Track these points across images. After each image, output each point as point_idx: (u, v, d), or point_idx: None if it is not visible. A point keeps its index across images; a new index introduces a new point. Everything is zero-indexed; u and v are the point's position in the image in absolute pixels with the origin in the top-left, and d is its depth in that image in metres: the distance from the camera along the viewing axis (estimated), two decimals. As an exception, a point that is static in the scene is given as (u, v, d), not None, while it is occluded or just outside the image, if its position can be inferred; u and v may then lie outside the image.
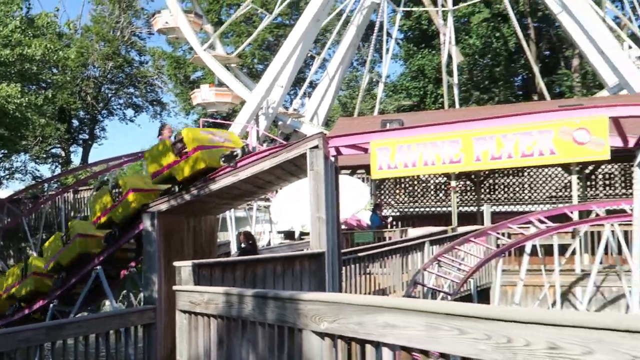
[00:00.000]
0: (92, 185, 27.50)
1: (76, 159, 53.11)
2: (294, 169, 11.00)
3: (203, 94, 37.93)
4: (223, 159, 11.20)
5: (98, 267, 13.64)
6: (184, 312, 6.74)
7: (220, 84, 37.98)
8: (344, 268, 15.99)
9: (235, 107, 39.35)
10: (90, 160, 49.06)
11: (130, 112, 55.87)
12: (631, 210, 9.51)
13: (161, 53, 53.68)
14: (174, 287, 6.96)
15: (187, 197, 10.64)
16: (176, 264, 7.19)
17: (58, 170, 47.90)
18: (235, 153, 11.11)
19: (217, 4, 52.72)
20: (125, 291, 19.95)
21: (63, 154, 51.97)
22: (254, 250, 14.94)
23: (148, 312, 9.44)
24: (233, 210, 29.28)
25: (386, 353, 4.05)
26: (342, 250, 18.26)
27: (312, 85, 41.87)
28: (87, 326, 8.55)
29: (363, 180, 26.72)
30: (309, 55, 40.36)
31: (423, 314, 3.65)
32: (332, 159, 11.01)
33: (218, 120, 38.66)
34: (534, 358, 2.98)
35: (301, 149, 9.67)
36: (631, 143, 9.24)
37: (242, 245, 15.95)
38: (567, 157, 8.96)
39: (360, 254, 17.12)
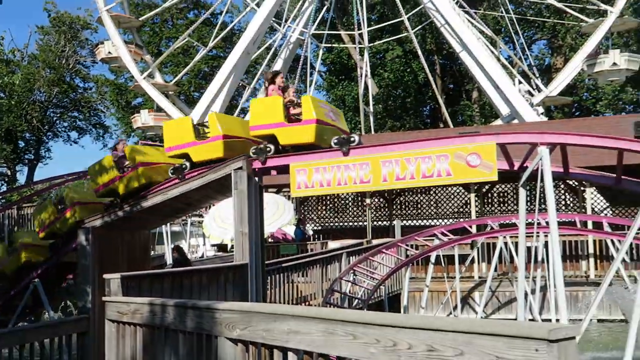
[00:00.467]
0: (36, 202, 26.53)
1: (22, 178, 51.31)
2: (221, 188, 10.88)
3: (143, 118, 37.33)
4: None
5: (36, 280, 13.10)
6: (112, 321, 6.55)
7: (159, 109, 37.48)
8: (269, 278, 15.88)
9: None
10: (36, 179, 47.45)
11: (74, 134, 54.51)
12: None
13: (104, 80, 52.55)
14: (103, 298, 6.75)
15: (120, 213, 10.36)
16: (105, 276, 6.98)
17: (4, 188, 46.09)
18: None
19: (157, 37, 52.16)
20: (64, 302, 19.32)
21: (9, 172, 50.10)
22: (185, 262, 14.65)
23: (82, 321, 9.09)
24: (169, 225, 28.78)
25: (291, 357, 4.02)
26: (268, 262, 18.16)
27: (244, 112, 41.71)
28: (22, 335, 8.19)
29: (288, 198, 26.70)
30: (240, 84, 40.30)
31: (322, 321, 3.64)
32: (257, 178, 10.96)
33: (157, 143, 37.98)
34: (415, 359, 3.01)
35: (226, 170, 9.60)
36: (516, 166, 9.53)
37: (174, 258, 15.66)
38: (461, 178, 9.16)
39: (284, 265, 17.06)
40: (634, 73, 33.70)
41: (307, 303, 16.82)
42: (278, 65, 38.03)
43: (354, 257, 18.61)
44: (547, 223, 19.66)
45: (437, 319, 2.94)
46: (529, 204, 25.57)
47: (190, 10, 52.98)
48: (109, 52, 37.00)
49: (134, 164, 11.14)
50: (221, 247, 26.46)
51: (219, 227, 22.83)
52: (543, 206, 22.88)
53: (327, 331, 3.60)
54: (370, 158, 9.66)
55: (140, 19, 40.26)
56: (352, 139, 10.04)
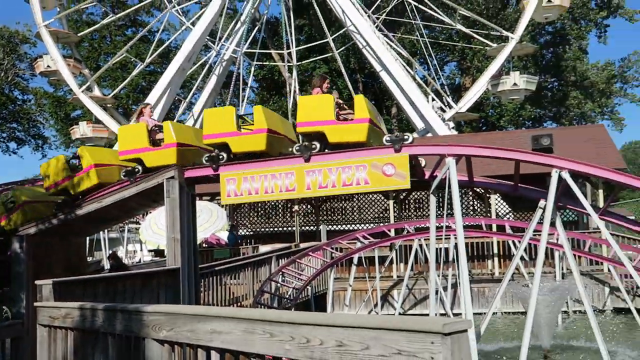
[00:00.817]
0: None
1: (-41, 187, 48.47)
2: (156, 196, 10.62)
3: (81, 130, 36.17)
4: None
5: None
6: (44, 325, 6.27)
7: (97, 121, 36.39)
8: (203, 281, 15.62)
9: (111, 142, 37.66)
10: (-28, 187, 44.92)
11: (13, 145, 52.12)
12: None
13: (43, 93, 50.53)
14: (35, 304, 6.46)
15: (54, 221, 9.95)
16: (38, 282, 6.69)
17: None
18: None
19: (96, 52, 50.68)
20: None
21: (-53, 181, 47.31)
22: (121, 268, 14.24)
23: (15, 326, 8.66)
24: (106, 232, 27.94)
25: (214, 356, 3.96)
26: (202, 266, 17.85)
27: (182, 123, 41.08)
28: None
29: (221, 205, 26.40)
30: (176, 98, 39.67)
31: (241, 321, 3.60)
32: (189, 187, 10.77)
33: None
34: (327, 354, 3.01)
35: (159, 179, 9.39)
36: (427, 175, 9.75)
37: (110, 265, 15.20)
38: (378, 186, 9.29)
39: (217, 268, 16.82)
40: (531, 92, 35.20)
41: (239, 304, 16.63)
42: (212, 82, 37.65)
43: (283, 260, 18.56)
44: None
45: (345, 316, 2.96)
46: (440, 209, 26.32)
47: (128, 28, 51.73)
48: (48, 66, 35.66)
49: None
50: (158, 253, 25.86)
51: (155, 233, 22.30)
52: (452, 211, 23.31)
53: (246, 330, 3.57)
54: (295, 168, 9.67)
55: (78, 34, 38.99)
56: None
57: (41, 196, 11.76)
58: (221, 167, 10.25)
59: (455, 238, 20.24)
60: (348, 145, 9.59)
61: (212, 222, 21.28)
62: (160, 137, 10.76)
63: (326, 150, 9.61)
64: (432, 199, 9.66)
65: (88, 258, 28.28)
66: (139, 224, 25.35)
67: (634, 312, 17.93)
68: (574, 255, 20.77)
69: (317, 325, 3.07)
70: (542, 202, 8.82)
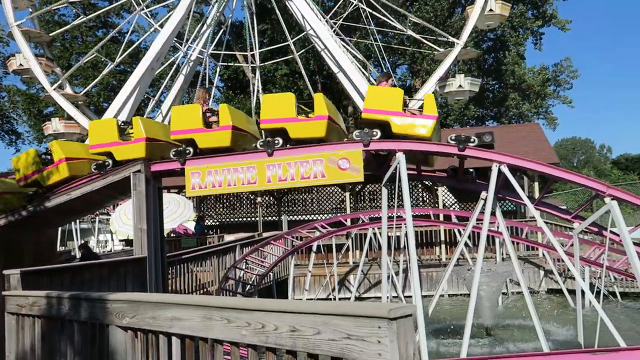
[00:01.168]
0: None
1: None
2: (123, 189, 10.33)
3: (54, 126, 34.93)
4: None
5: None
6: (12, 314, 6.00)
7: (69, 118, 35.27)
8: (171, 269, 15.37)
9: (83, 137, 36.60)
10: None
11: (-14, 140, 50.25)
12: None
13: (16, 90, 48.80)
14: (3, 293, 6.18)
15: (24, 213, 9.58)
16: (5, 272, 6.40)
17: None
18: (106, 163, 10.16)
19: (68, 52, 49.25)
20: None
21: None
22: (91, 257, 13.86)
23: (-16, 315, 8.31)
24: (78, 222, 27.21)
25: (175, 341, 3.83)
26: (170, 254, 17.56)
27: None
28: None
29: (188, 198, 26.01)
30: (145, 96, 38.78)
31: (200, 308, 3.49)
32: (155, 180, 10.52)
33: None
34: (281, 339, 2.93)
35: (125, 172, 9.12)
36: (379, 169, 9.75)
37: (81, 254, 14.78)
38: (334, 179, 9.25)
39: (184, 257, 16.57)
40: (475, 94, 35.66)
41: (205, 290, 16.43)
42: (179, 81, 36.93)
43: (246, 248, 18.40)
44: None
45: (298, 303, 2.88)
46: (392, 200, 26.52)
47: (99, 29, 50.41)
48: (20, 64, 34.29)
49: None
50: (129, 242, 25.33)
51: (124, 223, 21.83)
52: (403, 202, 23.29)
53: (205, 317, 3.46)
54: (257, 162, 9.54)
55: (50, 34, 37.71)
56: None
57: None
58: (187, 161, 10.04)
59: (406, 227, 20.49)
60: (309, 141, 9.46)
61: (179, 213, 20.94)
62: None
63: (288, 145, 9.49)
64: (384, 191, 9.66)
65: (61, 248, 27.53)
66: (109, 215, 24.77)
67: (565, 292, 18.47)
68: (512, 241, 21.20)
69: (272, 311, 2.99)
70: (483, 194, 8.92)
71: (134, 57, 42.63)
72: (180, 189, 24.91)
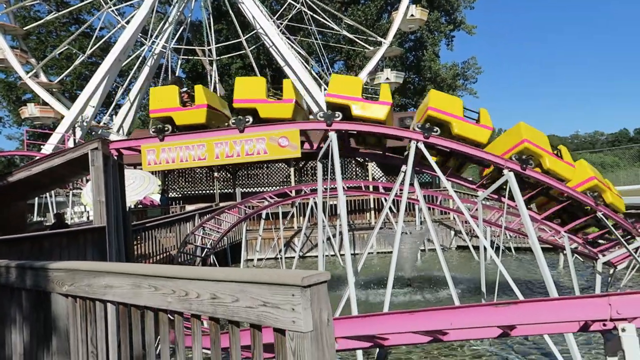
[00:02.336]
0: None
1: None
2: (84, 165, 9.49)
3: (30, 110, 32.75)
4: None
5: None
6: (-34, 283, 5.29)
7: (45, 103, 33.05)
8: (137, 235, 14.58)
9: (57, 121, 34.40)
10: None
11: (-32, 123, 46.63)
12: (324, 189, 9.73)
13: (-5, 79, 45.41)
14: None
15: (-11, 188, 8.64)
16: (-41, 244, 5.64)
17: None
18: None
19: (43, 45, 45.99)
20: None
21: None
22: (61, 226, 12.86)
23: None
24: (54, 196, 25.64)
25: (110, 308, 3.33)
26: (135, 222, 16.68)
27: (119, 106, 38.16)
28: None
29: (153, 173, 24.88)
30: (114, 85, 36.72)
31: (130, 276, 2.99)
32: (116, 157, 9.74)
33: (45, 130, 33.85)
34: (203, 306, 2.49)
35: (84, 150, 8.32)
36: (315, 147, 9.34)
37: (52, 223, 13.73)
38: (275, 156, 8.77)
39: (148, 224, 15.79)
40: (399, 85, 35.74)
41: (167, 254, 15.71)
42: (145, 72, 35.16)
43: (205, 217, 17.75)
44: (344, 187, 20.31)
45: (217, 271, 2.44)
46: (331, 174, 26.31)
47: (71, 25, 47.27)
48: (-4, 54, 31.81)
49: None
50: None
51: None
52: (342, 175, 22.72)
53: (134, 284, 2.96)
54: (206, 140, 8.92)
55: (24, 28, 35.00)
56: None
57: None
58: (141, 140, 9.31)
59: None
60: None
61: (144, 187, 19.92)
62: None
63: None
64: (319, 166, 9.28)
65: (39, 219, 25.87)
66: (81, 189, 23.39)
67: (471, 248, 18.80)
68: (428, 207, 21.39)
69: (194, 279, 2.54)
70: (403, 167, 8.67)
71: (104, 50, 40.30)
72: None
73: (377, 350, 4.42)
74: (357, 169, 26.33)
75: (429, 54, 42.60)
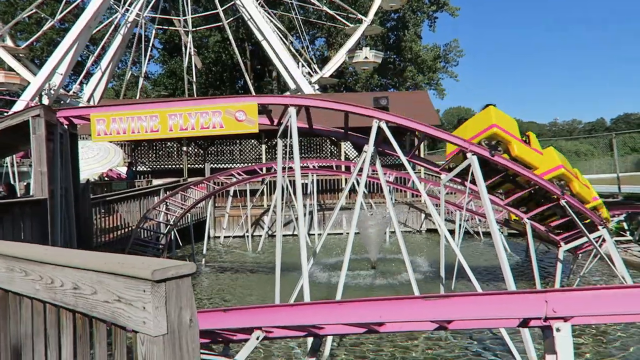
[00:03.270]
0: None
1: None
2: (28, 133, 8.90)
3: (-6, 75, 31.31)
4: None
5: None
6: None
7: (10, 69, 31.64)
8: (96, 209, 14.07)
9: (22, 87, 33.02)
10: None
11: None
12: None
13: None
14: None
15: None
16: None
17: None
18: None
19: (13, 8, 44.04)
20: None
21: None
22: (8, 197, 12.24)
23: None
24: (16, 166, 24.67)
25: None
26: (96, 195, 16.09)
27: (91, 75, 36.79)
28: None
29: (122, 146, 24.11)
30: (85, 52, 35.37)
31: (5, 258, 2.60)
32: (66, 125, 9.17)
33: (8, 97, 32.41)
34: (66, 297, 2.13)
35: (23, 117, 7.75)
36: (275, 122, 8.92)
37: (1, 194, 13.08)
38: (231, 130, 8.33)
39: (108, 198, 15.22)
40: (378, 65, 35.24)
41: (130, 228, 15.20)
42: (117, 40, 33.89)
43: (170, 192, 17.21)
44: (314, 167, 19.89)
45: (80, 255, 2.06)
46: (302, 153, 25.86)
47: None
48: (-41, 17, 30.22)
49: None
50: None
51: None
52: (313, 155, 22.46)
53: (8, 268, 2.57)
54: (159, 111, 8.42)
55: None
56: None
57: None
58: (92, 108, 8.76)
59: (312, 175, 19.92)
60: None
61: (109, 159, 19.23)
62: None
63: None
64: (279, 142, 8.87)
65: None
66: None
67: (440, 232, 18.68)
68: (400, 189, 21.16)
69: (58, 265, 2.16)
70: (366, 147, 8.33)
71: (78, 16, 38.77)
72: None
73: (312, 339, 4.12)
74: (332, 147, 25.96)
75: (410, 34, 42.10)
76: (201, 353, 4.86)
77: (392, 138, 7.89)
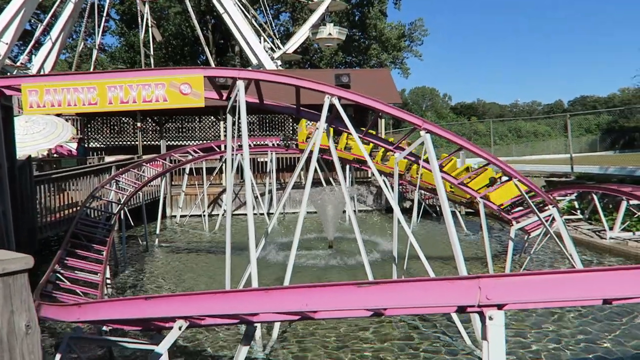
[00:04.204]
0: None
1: None
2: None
3: None
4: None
5: None
6: None
7: (-51, 37, 29.44)
8: (40, 187, 13.36)
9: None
10: None
11: None
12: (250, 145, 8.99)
13: None
14: None
15: None
16: None
17: None
18: None
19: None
20: None
21: None
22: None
23: None
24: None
25: None
26: (40, 173, 15.30)
27: (39, 44, 34.73)
28: None
29: (73, 121, 23.02)
30: (32, 21, 33.32)
31: None
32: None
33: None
34: None
35: (-60, 86, 7.05)
36: (224, 96, 8.50)
37: None
38: (175, 104, 7.85)
39: (54, 176, 14.45)
40: (342, 42, 34.75)
41: (77, 209, 14.51)
42: (69, 8, 32.07)
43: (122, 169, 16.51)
44: (274, 144, 19.46)
45: None
46: (263, 130, 25.38)
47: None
48: None
49: None
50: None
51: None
52: (275, 133, 22.03)
53: None
54: (97, 83, 7.85)
55: None
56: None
57: None
58: (23, 78, 8.10)
59: (270, 153, 19.51)
60: None
61: (57, 135, 18.21)
62: None
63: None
64: (229, 117, 8.46)
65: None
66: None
67: (394, 210, 18.69)
68: (361, 168, 20.95)
69: None
70: (318, 124, 8.04)
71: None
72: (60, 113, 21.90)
73: (246, 326, 3.87)
74: (295, 125, 25.54)
75: (375, 11, 41.65)
76: (127, 342, 4.53)
77: (345, 114, 7.62)
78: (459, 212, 18.11)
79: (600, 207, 13.11)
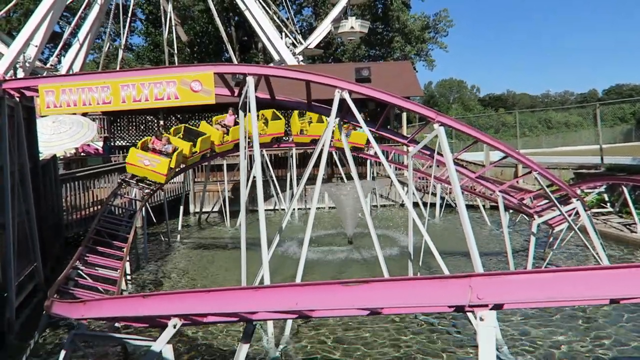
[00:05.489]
0: None
1: None
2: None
3: (-40, 46, 30.23)
4: None
5: None
6: None
7: (-18, 41, 30.54)
8: (65, 185, 13.74)
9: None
10: None
11: None
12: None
13: None
14: None
15: None
16: None
17: None
18: None
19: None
20: None
21: None
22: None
23: None
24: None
25: None
26: (65, 172, 15.69)
27: (69, 45, 35.59)
28: None
29: (100, 121, 23.53)
30: (60, 23, 34.12)
31: None
32: (17, 98, 8.72)
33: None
34: None
35: (-41, 88, 7.26)
36: (236, 93, 8.49)
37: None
38: (187, 101, 7.89)
39: (78, 174, 14.83)
40: (364, 35, 34.41)
41: (99, 206, 14.83)
42: (95, 10, 32.71)
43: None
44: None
45: None
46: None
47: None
48: None
49: None
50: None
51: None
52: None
53: None
54: (111, 82, 7.95)
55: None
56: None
57: None
58: (40, 79, 8.28)
59: (292, 149, 19.48)
60: None
61: (82, 134, 18.69)
62: None
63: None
64: (241, 114, 8.44)
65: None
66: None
67: (421, 205, 18.46)
68: (378, 162, 20.67)
69: None
70: (329, 119, 7.94)
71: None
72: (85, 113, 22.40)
73: (245, 325, 3.83)
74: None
75: (397, 3, 41.04)
76: (132, 339, 4.55)
77: (355, 109, 7.50)
78: (483, 205, 17.75)
79: (631, 199, 12.60)
